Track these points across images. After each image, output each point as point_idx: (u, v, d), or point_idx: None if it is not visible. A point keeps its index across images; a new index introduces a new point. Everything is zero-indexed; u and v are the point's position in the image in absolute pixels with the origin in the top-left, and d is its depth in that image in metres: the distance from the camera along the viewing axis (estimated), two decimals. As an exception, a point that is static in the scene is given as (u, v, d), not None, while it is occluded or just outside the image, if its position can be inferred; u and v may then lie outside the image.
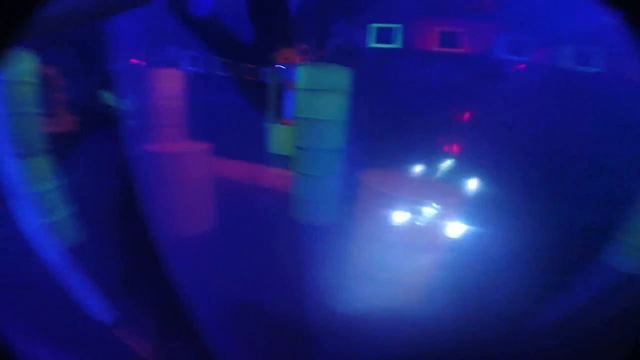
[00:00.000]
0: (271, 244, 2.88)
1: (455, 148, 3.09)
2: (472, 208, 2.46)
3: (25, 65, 2.49)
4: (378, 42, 3.92)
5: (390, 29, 3.90)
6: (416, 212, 2.28)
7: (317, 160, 3.31)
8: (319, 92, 3.29)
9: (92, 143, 3.74)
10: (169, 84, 4.88)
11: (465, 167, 2.78)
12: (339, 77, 3.34)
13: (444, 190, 2.55)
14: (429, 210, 2.28)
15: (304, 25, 5.03)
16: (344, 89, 3.36)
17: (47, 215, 2.46)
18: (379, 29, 3.95)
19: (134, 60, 5.93)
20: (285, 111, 6.66)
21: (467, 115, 3.14)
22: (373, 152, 3.17)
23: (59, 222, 2.59)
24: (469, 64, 3.30)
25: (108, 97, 3.71)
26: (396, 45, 3.87)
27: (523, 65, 3.02)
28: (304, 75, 3.49)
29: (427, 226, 2.27)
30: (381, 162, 2.96)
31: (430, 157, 2.98)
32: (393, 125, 3.49)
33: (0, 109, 2.24)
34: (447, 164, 2.98)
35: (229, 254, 2.82)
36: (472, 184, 2.68)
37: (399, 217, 2.31)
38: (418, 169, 2.94)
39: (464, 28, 3.53)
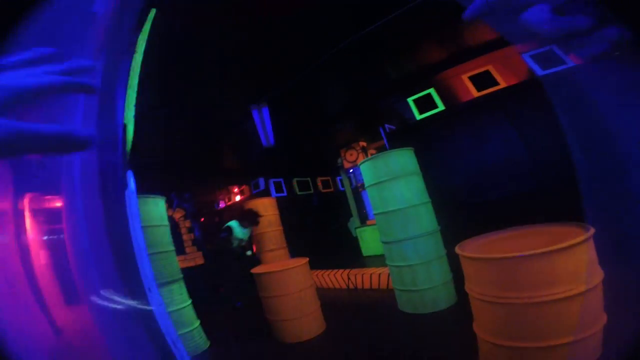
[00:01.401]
0: (383, 339, 2.73)
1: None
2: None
3: (157, 210, 3.18)
4: (422, 112, 3.97)
5: (427, 95, 3.98)
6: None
7: (407, 250, 3.06)
8: (386, 183, 3.17)
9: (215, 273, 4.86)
10: (268, 212, 5.70)
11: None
12: (402, 160, 3.20)
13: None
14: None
15: (353, 123, 5.34)
16: (413, 170, 3.22)
17: (179, 328, 2.91)
18: (416, 100, 4.02)
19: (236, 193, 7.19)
20: (368, 212, 6.83)
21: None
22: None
23: (187, 334, 3.03)
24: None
25: (226, 234, 4.50)
26: (440, 108, 3.90)
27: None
28: (367, 171, 3.36)
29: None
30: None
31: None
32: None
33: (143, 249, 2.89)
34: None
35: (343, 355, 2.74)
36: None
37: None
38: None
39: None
